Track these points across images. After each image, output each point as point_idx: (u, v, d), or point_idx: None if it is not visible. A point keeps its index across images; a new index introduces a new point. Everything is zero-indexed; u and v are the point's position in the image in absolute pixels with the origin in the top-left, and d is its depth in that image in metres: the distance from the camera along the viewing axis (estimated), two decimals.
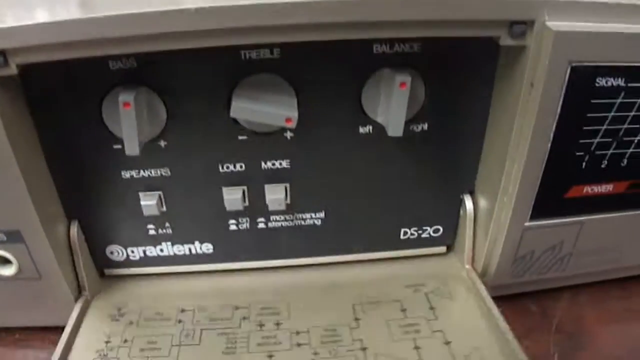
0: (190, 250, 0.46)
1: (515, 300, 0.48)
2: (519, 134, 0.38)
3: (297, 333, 0.43)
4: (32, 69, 0.34)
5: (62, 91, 0.38)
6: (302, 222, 0.45)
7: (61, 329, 0.44)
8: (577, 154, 0.39)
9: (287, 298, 0.46)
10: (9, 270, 0.42)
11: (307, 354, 0.41)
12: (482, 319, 0.43)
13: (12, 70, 0.33)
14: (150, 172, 0.41)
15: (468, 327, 0.43)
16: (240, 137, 0.40)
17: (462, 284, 0.46)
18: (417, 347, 0.41)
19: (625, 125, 0.38)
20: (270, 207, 0.43)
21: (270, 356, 0.41)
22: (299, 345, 0.42)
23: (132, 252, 0.46)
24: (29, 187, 0.37)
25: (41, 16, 0.33)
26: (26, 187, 0.37)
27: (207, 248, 0.46)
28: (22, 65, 0.33)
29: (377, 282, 0.47)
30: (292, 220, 0.45)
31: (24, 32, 0.32)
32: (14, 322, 0.47)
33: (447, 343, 0.41)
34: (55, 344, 0.45)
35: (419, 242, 0.48)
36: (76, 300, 0.44)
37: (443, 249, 0.49)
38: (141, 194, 0.42)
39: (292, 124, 0.37)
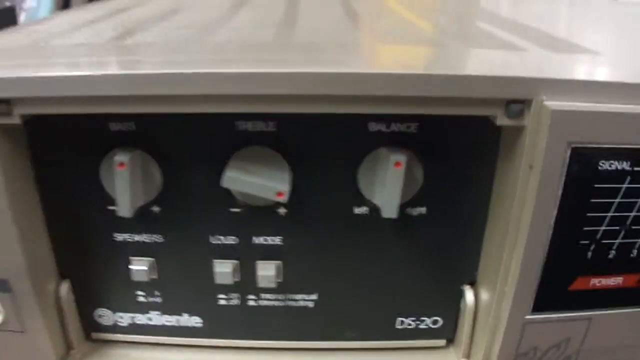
0: (179, 321, 0.45)
1: None
2: (519, 220, 0.36)
3: None
4: (35, 122, 0.36)
5: (63, 148, 0.38)
6: (294, 303, 0.44)
7: None
8: (582, 242, 0.37)
9: None
10: None
11: None
12: None
13: (16, 120, 0.34)
14: (143, 238, 0.41)
15: None
16: (232, 209, 0.40)
17: None
18: None
19: (634, 213, 0.36)
20: (261, 284, 0.42)
21: None
22: None
23: (121, 317, 0.45)
24: (21, 237, 0.37)
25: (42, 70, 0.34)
26: (17, 236, 0.37)
27: (196, 321, 0.45)
28: (26, 116, 0.35)
29: None
30: (283, 300, 0.44)
31: (28, 83, 0.33)
32: None
33: None
34: None
35: (417, 333, 0.45)
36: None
37: (442, 342, 0.46)
38: (132, 259, 0.41)
39: (284, 198, 0.36)
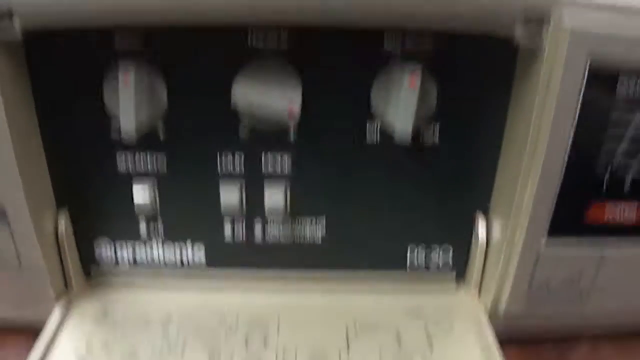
0: (181, 253, 0.44)
1: (530, 347, 0.44)
2: (535, 143, 0.35)
3: (283, 352, 0.39)
4: (36, 38, 0.34)
5: (65, 66, 0.37)
6: (301, 232, 0.43)
7: (37, 330, 0.42)
8: (598, 165, 0.36)
9: (277, 312, 0.43)
10: None
11: None
12: (480, 355, 0.39)
13: (16, 34, 0.33)
14: (146, 161, 0.39)
15: None
16: (241, 134, 0.39)
17: (466, 317, 0.43)
18: None
19: None
20: (268, 212, 0.41)
21: None
22: None
23: (121, 249, 0.44)
24: (20, 162, 0.36)
25: None
26: (16, 161, 0.36)
27: (199, 252, 0.44)
28: (27, 31, 0.33)
29: (376, 304, 0.44)
30: (291, 227, 0.43)
31: None
32: None
33: None
34: (28, 346, 0.43)
35: (426, 266, 0.44)
36: (58, 297, 0.42)
37: (452, 275, 0.45)
38: (134, 183, 0.40)
39: (295, 117, 0.35)
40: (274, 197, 0.40)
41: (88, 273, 0.45)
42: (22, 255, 0.40)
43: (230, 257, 0.44)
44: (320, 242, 0.43)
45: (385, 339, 0.41)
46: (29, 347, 0.42)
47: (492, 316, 0.42)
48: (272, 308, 0.43)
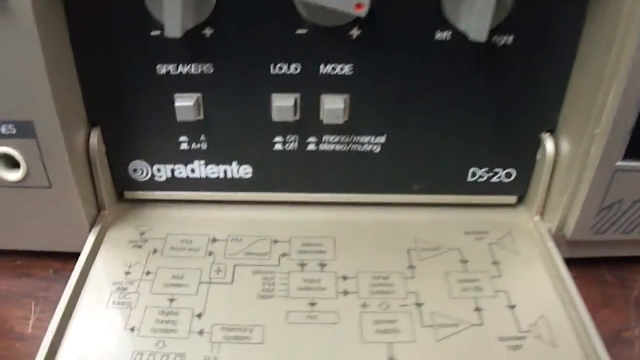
0: (225, 172, 0.40)
1: (590, 266, 0.41)
2: (619, 56, 0.31)
3: (344, 278, 0.36)
4: None
5: None
6: (359, 147, 0.39)
7: (66, 259, 0.39)
8: None
9: (333, 235, 0.39)
10: (15, 175, 0.36)
11: (354, 305, 0.35)
12: (550, 283, 0.37)
13: None
14: (190, 69, 0.35)
15: (534, 289, 0.37)
16: (298, 31, 0.34)
17: (530, 238, 0.40)
18: (478, 309, 0.35)
19: None
20: (326, 120, 0.37)
21: (313, 304, 0.35)
22: (345, 293, 0.35)
23: (159, 170, 0.40)
24: (50, 71, 0.32)
25: None
26: (46, 69, 0.32)
27: (246, 171, 0.40)
28: None
29: (436, 225, 0.40)
30: (348, 143, 0.39)
31: None
32: (15, 244, 0.41)
33: (512, 307, 0.35)
34: (58, 272, 0.40)
35: (487, 187, 0.41)
36: (92, 221, 0.39)
37: (513, 198, 0.42)
38: (176, 95, 0.36)
39: (363, 11, 0.30)
40: (332, 108, 0.36)
41: (122, 196, 0.41)
42: (52, 175, 0.36)
43: (281, 178, 0.40)
44: (378, 161, 0.40)
45: (450, 261, 0.38)
46: (57, 278, 0.39)
47: (556, 239, 0.39)
48: (327, 231, 0.40)
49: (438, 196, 0.41)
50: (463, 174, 0.40)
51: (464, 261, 0.38)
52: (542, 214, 0.41)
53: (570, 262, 0.37)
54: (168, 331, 0.34)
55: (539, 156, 0.40)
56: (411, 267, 0.37)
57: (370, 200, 0.41)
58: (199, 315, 0.34)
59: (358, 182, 0.41)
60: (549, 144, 0.38)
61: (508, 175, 0.41)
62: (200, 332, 0.33)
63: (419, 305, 0.35)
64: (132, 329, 0.34)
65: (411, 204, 0.41)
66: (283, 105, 0.36)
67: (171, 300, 0.35)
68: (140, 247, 0.38)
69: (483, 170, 0.40)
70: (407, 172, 0.40)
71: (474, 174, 0.40)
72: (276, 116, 0.37)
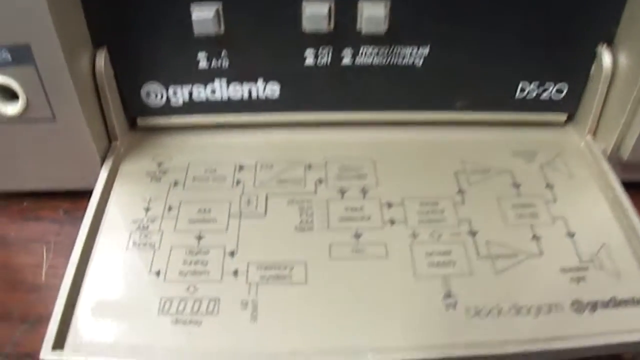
0: (250, 92, 0.33)
1: None
2: None
3: (389, 206, 0.31)
4: None
5: None
6: (400, 60, 0.32)
7: (76, 198, 0.33)
8: None
9: (373, 158, 0.34)
10: (14, 107, 0.30)
11: (403, 236, 0.30)
12: (609, 208, 0.31)
13: None
14: None
15: (593, 215, 0.31)
16: None
17: (582, 160, 0.34)
18: (535, 237, 0.30)
19: None
20: (365, 30, 0.30)
21: (358, 236, 0.30)
22: (392, 222, 0.30)
23: (175, 93, 0.33)
24: None
25: None
26: None
27: (273, 90, 0.33)
28: None
29: (483, 146, 0.35)
30: (387, 56, 0.32)
31: None
32: (20, 185, 0.35)
33: (571, 235, 0.30)
34: (69, 213, 0.33)
35: (536, 104, 0.35)
36: (103, 154, 0.33)
37: (563, 117, 0.36)
38: (194, 6, 0.29)
39: None
40: (372, 15, 0.30)
41: (135, 125, 0.35)
42: (55, 105, 0.30)
43: (312, 96, 0.34)
44: (420, 76, 0.33)
45: (501, 185, 0.32)
46: (69, 219, 0.34)
47: (611, 161, 0.34)
48: (365, 153, 0.34)
49: (484, 114, 0.35)
50: (511, 89, 0.34)
51: (516, 185, 0.32)
52: (594, 133, 0.35)
53: (627, 187, 0.32)
54: (198, 273, 0.28)
55: (593, 70, 0.34)
56: (461, 191, 0.32)
57: (411, 119, 0.35)
58: (232, 254, 0.29)
59: (398, 99, 0.35)
60: (605, 57, 0.33)
61: (559, 91, 0.35)
62: (235, 273, 0.28)
63: (473, 233, 0.30)
64: (158, 273, 0.28)
65: (455, 122, 0.36)
66: (316, 13, 0.30)
67: (199, 238, 0.30)
68: (159, 179, 0.32)
69: (532, 85, 0.34)
70: (451, 87, 0.34)
71: (522, 89, 0.34)
72: (307, 26, 0.30)
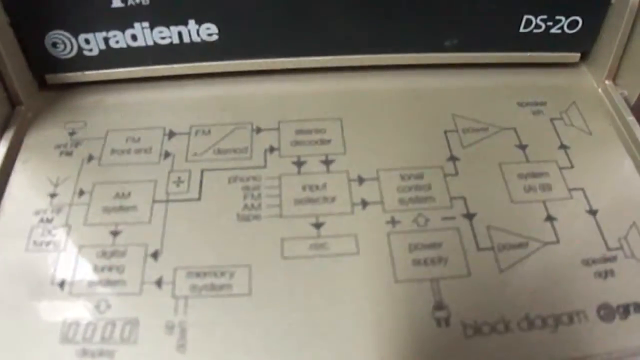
0: (180, 35, 0.22)
1: None
2: None
3: (360, 181, 0.21)
4: None
5: None
6: None
7: None
8: None
9: (339, 116, 0.23)
10: None
11: (379, 223, 0.20)
12: (637, 173, 0.21)
13: None
14: None
15: (618, 185, 0.21)
16: None
17: (601, 110, 0.24)
18: (550, 218, 0.20)
19: None
20: None
21: (319, 225, 0.20)
22: (364, 205, 0.20)
23: (87, 42, 0.22)
24: None
25: None
26: None
27: (209, 32, 0.22)
28: None
29: (479, 95, 0.24)
30: None
31: None
32: None
33: (593, 212, 0.20)
34: None
35: (544, 42, 0.24)
36: (3, 123, 0.22)
37: (575, 56, 0.25)
38: None
39: None
40: None
41: (42, 83, 0.24)
42: None
43: (259, 39, 0.23)
44: (398, 5, 0.22)
45: (504, 147, 0.22)
46: None
47: (636, 111, 0.23)
48: (330, 110, 0.23)
49: (480, 55, 0.24)
50: (514, 24, 0.23)
51: (522, 146, 0.22)
52: (614, 77, 0.24)
53: None
54: (112, 284, 0.19)
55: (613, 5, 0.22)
56: (453, 158, 0.22)
57: (387, 63, 0.24)
58: (155, 255, 0.19)
59: (370, 39, 0.23)
60: None
61: (572, 25, 0.24)
62: (158, 283, 0.19)
63: (469, 217, 0.20)
64: (62, 284, 0.19)
65: (445, 65, 0.24)
66: None
67: (115, 233, 0.20)
68: (70, 154, 0.22)
69: (540, 18, 0.23)
70: (438, 21, 0.23)
71: (528, 23, 0.24)
72: None
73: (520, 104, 0.24)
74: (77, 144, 0.22)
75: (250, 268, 0.19)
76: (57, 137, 0.23)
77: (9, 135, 0.22)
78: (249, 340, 0.17)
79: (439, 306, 0.18)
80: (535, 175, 0.22)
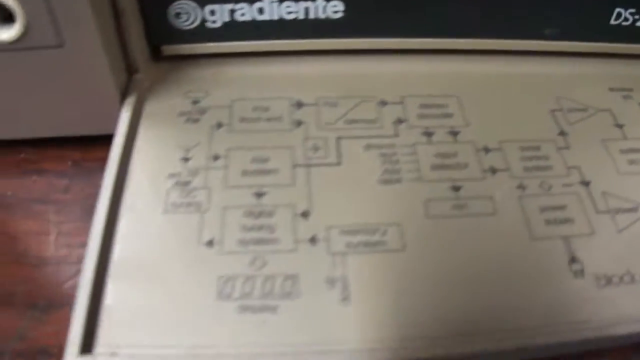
0: (307, 11, 0.23)
1: None
2: None
3: (486, 151, 0.22)
4: None
5: None
6: None
7: (89, 140, 0.23)
8: None
9: (456, 93, 0.24)
10: (9, 32, 0.19)
11: (509, 187, 0.21)
12: None
13: None
14: None
15: None
16: None
17: None
18: None
19: None
20: None
21: (457, 188, 0.21)
22: (493, 171, 0.21)
23: (213, 13, 0.23)
24: None
25: None
26: None
27: (335, 8, 0.23)
28: None
29: (576, 80, 0.25)
30: None
31: None
32: (18, 131, 0.24)
33: None
34: (79, 165, 0.23)
35: (632, 34, 0.25)
36: (122, 90, 0.23)
37: None
38: None
39: None
40: None
41: (159, 53, 0.24)
42: (64, 28, 0.20)
43: (382, 18, 0.24)
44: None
45: (603, 126, 0.24)
46: (79, 172, 0.24)
47: None
48: (448, 87, 0.24)
49: (576, 43, 0.26)
50: (606, 15, 0.25)
51: (619, 125, 0.24)
52: None
53: None
54: (265, 242, 0.19)
55: None
56: (562, 133, 0.23)
57: (496, 47, 0.25)
58: (305, 215, 0.20)
59: (482, 24, 0.25)
60: None
61: None
62: (313, 240, 0.19)
63: (585, 184, 0.21)
64: (211, 243, 0.19)
65: (545, 52, 0.26)
66: None
67: (259, 195, 0.20)
68: (196, 120, 0.22)
69: (630, 11, 0.25)
70: (542, 12, 0.25)
71: (618, 16, 0.25)
72: None
73: (611, 89, 0.25)
74: (202, 112, 0.23)
75: (400, 226, 0.20)
76: (179, 105, 0.23)
77: (130, 101, 0.22)
78: (408, 292, 0.18)
79: (574, 260, 0.20)
80: (634, 150, 0.23)
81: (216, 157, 0.21)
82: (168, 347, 0.17)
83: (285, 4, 0.23)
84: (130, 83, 0.23)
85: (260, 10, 0.23)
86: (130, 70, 0.23)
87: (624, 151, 0.23)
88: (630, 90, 0.26)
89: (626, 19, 0.26)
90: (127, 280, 0.18)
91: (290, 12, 0.23)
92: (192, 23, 0.23)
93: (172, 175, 0.21)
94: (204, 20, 0.23)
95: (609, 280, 0.19)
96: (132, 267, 0.18)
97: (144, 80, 0.23)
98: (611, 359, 0.20)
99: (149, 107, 0.23)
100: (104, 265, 0.18)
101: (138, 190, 0.20)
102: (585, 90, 0.25)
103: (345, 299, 0.18)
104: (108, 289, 0.18)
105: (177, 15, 0.23)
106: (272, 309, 0.18)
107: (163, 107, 0.23)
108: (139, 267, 0.18)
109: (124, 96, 0.23)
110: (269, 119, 0.22)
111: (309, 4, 0.23)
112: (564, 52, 0.26)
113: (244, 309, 0.18)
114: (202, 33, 0.23)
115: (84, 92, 0.22)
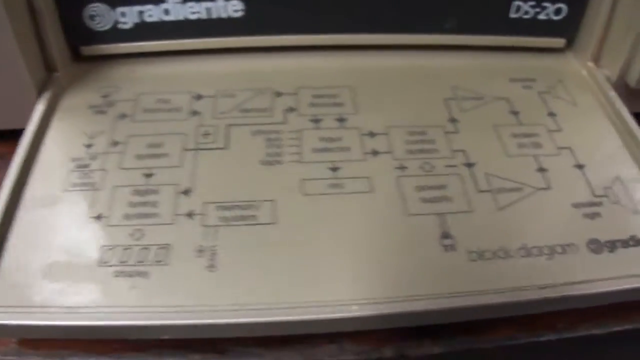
0: (209, 11, 0.25)
1: None
2: None
3: (371, 135, 0.23)
4: None
5: None
6: None
7: (13, 135, 0.24)
8: None
9: (351, 85, 0.26)
10: None
11: (388, 168, 0.22)
12: (619, 138, 0.24)
13: None
14: None
15: (602, 146, 0.24)
16: None
17: (586, 87, 0.27)
18: (541, 169, 0.22)
19: None
20: None
21: (335, 169, 0.22)
22: (375, 154, 0.23)
23: (123, 15, 0.25)
24: None
25: None
26: None
27: (235, 8, 0.25)
28: None
29: (475, 72, 0.27)
30: None
31: None
32: None
33: (580, 167, 0.23)
34: (4, 158, 0.25)
35: (532, 27, 0.27)
36: (40, 87, 0.24)
37: (561, 41, 0.28)
38: None
39: None
40: None
41: (77, 53, 0.26)
42: None
43: (280, 16, 0.26)
44: None
45: (498, 112, 0.25)
46: (3, 165, 0.25)
47: (616, 89, 0.26)
48: (342, 79, 0.26)
49: (475, 37, 0.27)
50: (505, 9, 0.26)
51: (515, 112, 0.25)
52: (596, 60, 0.27)
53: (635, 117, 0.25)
54: (146, 216, 0.21)
55: None
56: (453, 120, 0.24)
57: (394, 42, 0.27)
58: (187, 192, 0.21)
59: (379, 20, 0.26)
60: None
61: (557, 11, 0.27)
62: (190, 215, 0.21)
63: (469, 165, 0.22)
64: (99, 217, 0.21)
65: (444, 46, 0.27)
66: None
67: (148, 175, 0.22)
68: (104, 112, 0.24)
69: (529, 4, 0.26)
70: (439, 6, 0.26)
71: (517, 9, 0.26)
72: None
73: (511, 80, 0.26)
74: (110, 104, 0.24)
75: (274, 202, 0.21)
76: (90, 99, 0.25)
77: (45, 97, 0.24)
78: (272, 261, 0.19)
79: (446, 235, 0.21)
80: (526, 135, 0.24)
81: (115, 144, 0.23)
82: (51, 307, 0.19)
83: (188, 4, 0.25)
84: (48, 81, 0.25)
85: (166, 11, 0.25)
86: (50, 68, 0.25)
87: (516, 135, 0.24)
88: (533, 80, 0.27)
89: (526, 12, 0.27)
90: (25, 243, 0.20)
91: (193, 12, 0.25)
92: (105, 24, 0.25)
93: (74, 159, 0.22)
94: (116, 22, 0.25)
95: (480, 255, 0.20)
96: (29, 238, 0.20)
97: (62, 78, 0.25)
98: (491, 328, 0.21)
99: (65, 102, 0.24)
100: (6, 227, 0.20)
101: (43, 174, 0.22)
102: (483, 81, 0.26)
103: (211, 266, 0.19)
104: (4, 257, 0.19)
105: (92, 17, 0.25)
106: (144, 274, 0.19)
107: (77, 102, 0.25)
108: (35, 234, 0.20)
109: (40, 91, 0.24)
110: (169, 110, 0.24)
111: (210, 4, 0.25)
112: (464, 46, 0.27)
113: (119, 273, 0.19)
114: (116, 34, 0.25)
115: (4, 89, 0.24)
